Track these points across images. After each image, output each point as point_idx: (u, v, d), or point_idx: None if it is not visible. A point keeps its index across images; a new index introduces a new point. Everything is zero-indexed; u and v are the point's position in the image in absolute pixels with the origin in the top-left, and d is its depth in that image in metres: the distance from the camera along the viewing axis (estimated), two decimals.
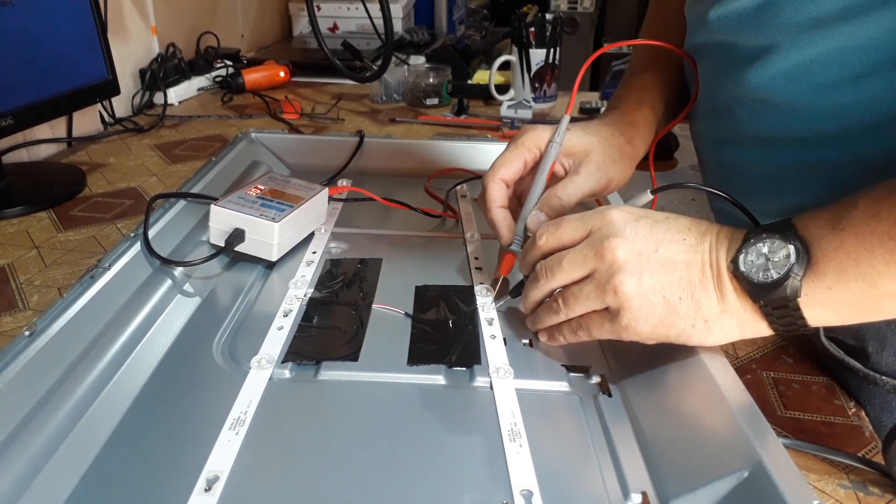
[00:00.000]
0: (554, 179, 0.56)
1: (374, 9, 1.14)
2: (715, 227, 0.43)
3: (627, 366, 0.49)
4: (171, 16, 1.30)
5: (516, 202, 0.58)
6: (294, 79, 1.39)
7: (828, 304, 0.38)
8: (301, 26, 1.76)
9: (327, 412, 0.45)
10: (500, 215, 0.55)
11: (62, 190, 0.82)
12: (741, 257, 0.40)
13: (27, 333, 0.45)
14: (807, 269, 0.38)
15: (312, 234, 0.68)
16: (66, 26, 0.86)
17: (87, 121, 1.06)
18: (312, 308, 0.56)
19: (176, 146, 1.00)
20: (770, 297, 0.39)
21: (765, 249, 0.39)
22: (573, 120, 0.56)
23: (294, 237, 0.64)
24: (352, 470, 0.40)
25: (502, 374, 0.48)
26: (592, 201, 0.62)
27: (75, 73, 0.88)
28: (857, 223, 0.37)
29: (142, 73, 1.21)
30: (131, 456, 0.41)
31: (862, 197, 0.38)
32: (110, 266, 0.54)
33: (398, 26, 1.61)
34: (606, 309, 0.44)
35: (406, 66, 1.29)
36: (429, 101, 1.21)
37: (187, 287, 0.58)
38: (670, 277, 0.42)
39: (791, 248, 0.38)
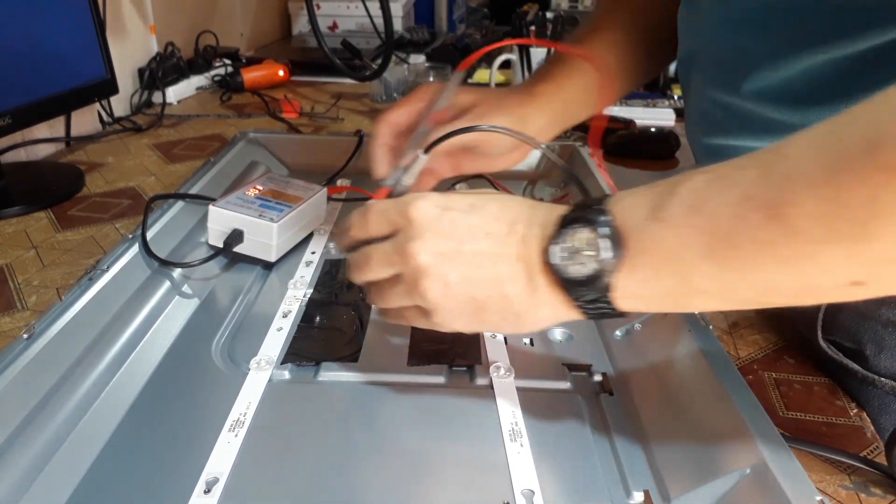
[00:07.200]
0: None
1: (374, 7, 1.14)
2: (527, 213, 0.40)
3: (630, 364, 0.49)
4: (169, 15, 1.29)
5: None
6: (293, 78, 1.39)
7: (639, 296, 0.36)
8: (300, 25, 1.76)
9: (327, 413, 0.45)
10: (379, 152, 0.58)
11: (60, 190, 0.81)
12: (553, 248, 0.37)
13: (25, 336, 0.45)
14: (621, 263, 0.35)
15: (311, 234, 0.68)
16: (65, 25, 0.85)
17: (85, 120, 1.06)
18: (312, 309, 0.56)
19: (174, 146, 1.00)
20: (581, 292, 0.36)
21: (575, 241, 0.36)
22: None
23: (293, 238, 0.64)
24: (352, 471, 0.40)
25: (503, 374, 0.47)
26: None
27: (74, 73, 0.87)
28: (675, 214, 0.34)
29: (140, 72, 1.20)
30: (130, 458, 0.41)
31: (683, 183, 0.34)
32: (108, 268, 0.53)
33: (398, 25, 1.61)
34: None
35: (406, 65, 1.29)
36: None
37: (186, 288, 0.58)
38: (477, 274, 0.39)
39: (603, 243, 0.35)
